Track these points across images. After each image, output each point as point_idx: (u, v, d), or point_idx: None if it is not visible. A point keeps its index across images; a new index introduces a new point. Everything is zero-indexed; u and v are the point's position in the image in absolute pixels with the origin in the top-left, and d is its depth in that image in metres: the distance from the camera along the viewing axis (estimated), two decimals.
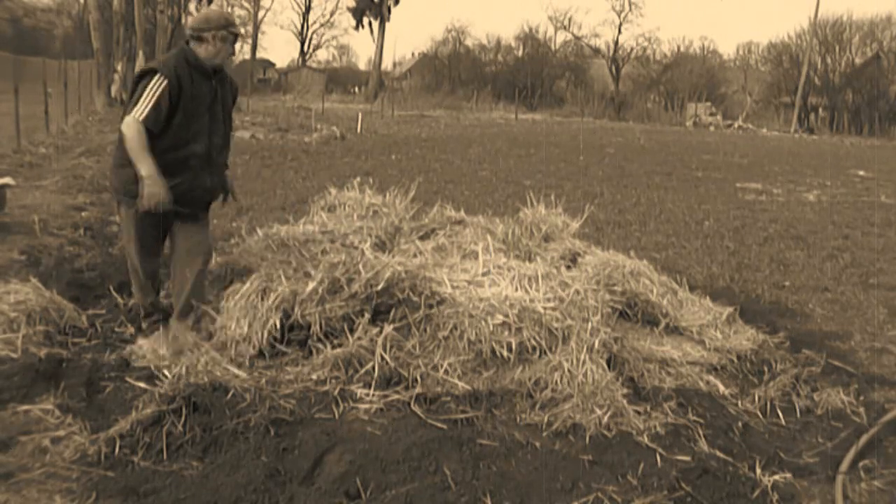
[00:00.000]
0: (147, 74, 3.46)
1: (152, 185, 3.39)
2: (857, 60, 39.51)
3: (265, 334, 3.55)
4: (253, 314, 3.60)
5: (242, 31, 58.26)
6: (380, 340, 3.44)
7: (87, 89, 22.56)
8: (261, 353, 3.54)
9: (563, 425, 3.02)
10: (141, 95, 3.40)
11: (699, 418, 3.20)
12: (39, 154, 10.95)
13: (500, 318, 3.49)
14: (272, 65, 60.54)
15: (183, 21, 48.01)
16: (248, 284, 3.81)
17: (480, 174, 11.97)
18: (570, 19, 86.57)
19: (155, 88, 3.40)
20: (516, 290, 3.68)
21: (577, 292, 3.71)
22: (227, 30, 3.58)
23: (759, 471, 2.78)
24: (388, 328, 3.49)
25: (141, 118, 3.37)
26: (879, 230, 8.54)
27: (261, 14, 60.63)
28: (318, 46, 74.89)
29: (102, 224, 6.59)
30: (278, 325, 3.58)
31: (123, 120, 3.43)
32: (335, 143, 16.65)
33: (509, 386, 3.32)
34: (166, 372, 3.28)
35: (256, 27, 59.98)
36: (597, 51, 54.60)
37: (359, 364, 3.42)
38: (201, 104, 3.56)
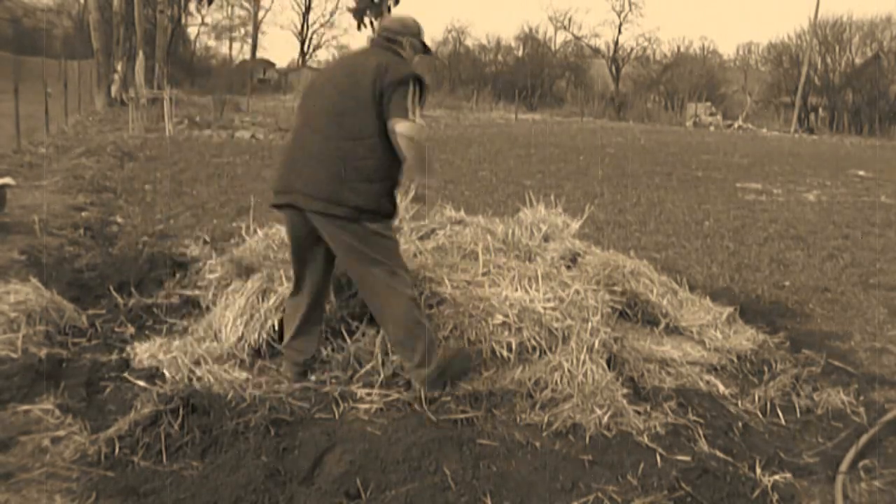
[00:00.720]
0: (408, 81, 3.13)
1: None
2: (857, 60, 39.52)
3: (264, 335, 3.56)
4: (251, 314, 3.61)
5: (243, 31, 57.89)
6: (378, 340, 3.44)
7: (87, 89, 22.56)
8: (260, 354, 3.55)
9: (563, 425, 3.02)
10: (408, 101, 3.11)
11: (699, 418, 3.19)
12: (39, 154, 10.95)
13: (500, 318, 3.49)
14: (272, 65, 60.49)
15: (183, 21, 48.07)
16: (249, 285, 3.81)
17: (480, 174, 11.97)
18: (570, 19, 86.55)
19: (415, 96, 3.16)
20: (516, 290, 3.68)
21: (577, 292, 3.71)
22: (419, 38, 3.41)
23: (759, 471, 2.78)
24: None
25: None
26: (879, 230, 8.54)
27: (261, 14, 60.66)
28: (318, 46, 74.62)
29: (102, 224, 6.59)
30: (277, 326, 3.58)
31: (398, 125, 3.06)
32: None
33: (509, 386, 3.32)
34: (166, 372, 3.28)
35: (256, 27, 60.05)
36: (597, 51, 54.60)
37: (358, 364, 3.42)
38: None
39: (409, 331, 3.19)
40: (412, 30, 3.39)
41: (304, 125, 3.29)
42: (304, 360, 3.38)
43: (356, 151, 3.09)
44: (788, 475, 2.79)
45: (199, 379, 3.24)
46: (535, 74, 49.67)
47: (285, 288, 3.71)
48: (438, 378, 3.21)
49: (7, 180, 6.35)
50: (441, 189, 9.67)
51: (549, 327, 3.50)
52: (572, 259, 4.67)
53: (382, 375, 3.34)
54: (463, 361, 3.33)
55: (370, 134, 3.09)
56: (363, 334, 3.53)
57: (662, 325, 4.16)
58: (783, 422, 3.31)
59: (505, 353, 3.41)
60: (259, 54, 60.86)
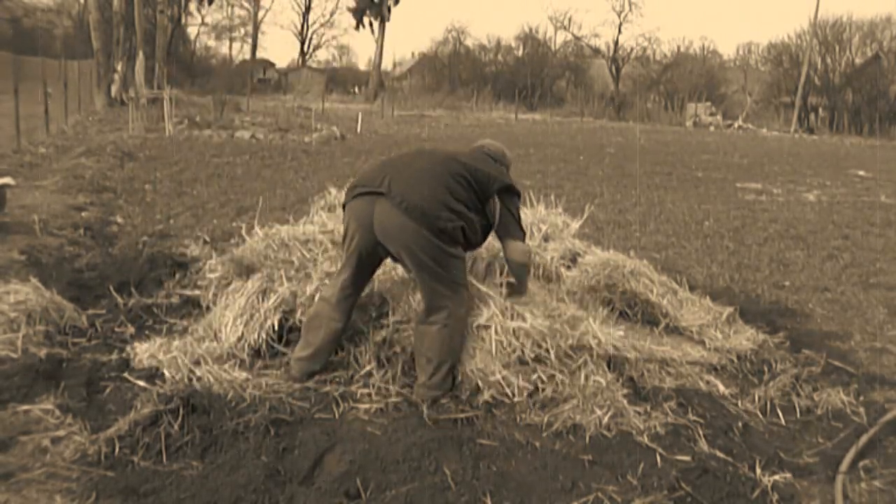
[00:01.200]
0: (517, 194, 3.47)
1: None
2: (857, 60, 39.50)
3: (264, 335, 3.55)
4: (251, 314, 3.60)
5: (243, 31, 57.91)
6: (376, 339, 3.44)
7: (87, 89, 22.56)
8: (260, 354, 3.55)
9: (563, 425, 3.02)
10: (518, 217, 3.45)
11: (699, 418, 3.20)
12: (39, 154, 10.95)
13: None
14: (272, 65, 60.51)
15: (183, 21, 48.08)
16: (249, 285, 3.81)
17: None
18: (570, 19, 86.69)
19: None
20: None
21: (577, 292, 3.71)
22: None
23: (759, 471, 2.78)
24: (388, 329, 3.50)
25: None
26: (879, 230, 8.54)
27: (261, 14, 60.69)
28: (318, 46, 74.88)
29: (102, 224, 6.59)
30: (277, 326, 3.58)
31: (519, 250, 3.42)
32: (335, 143, 16.65)
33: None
34: (166, 372, 3.28)
35: (256, 27, 60.04)
36: (597, 51, 54.59)
37: (357, 364, 3.42)
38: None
39: (444, 354, 3.22)
40: (510, 160, 3.74)
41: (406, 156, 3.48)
42: (318, 369, 3.38)
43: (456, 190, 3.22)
44: (788, 475, 2.79)
45: (199, 379, 3.24)
46: (535, 74, 49.66)
47: (285, 288, 3.71)
48: (438, 398, 3.22)
49: (7, 180, 6.34)
50: None
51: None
52: (572, 259, 4.67)
53: (377, 376, 3.35)
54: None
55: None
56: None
57: (662, 325, 4.16)
58: (783, 422, 3.31)
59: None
60: (259, 54, 60.93)
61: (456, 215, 3.12)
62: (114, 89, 24.48)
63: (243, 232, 4.86)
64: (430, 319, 3.22)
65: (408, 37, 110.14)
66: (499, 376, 3.21)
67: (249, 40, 60.62)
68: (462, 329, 3.29)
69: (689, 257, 6.64)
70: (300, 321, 3.58)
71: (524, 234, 3.48)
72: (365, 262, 3.30)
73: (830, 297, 5.54)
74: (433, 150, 3.48)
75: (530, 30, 54.36)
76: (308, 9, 62.06)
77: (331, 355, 3.43)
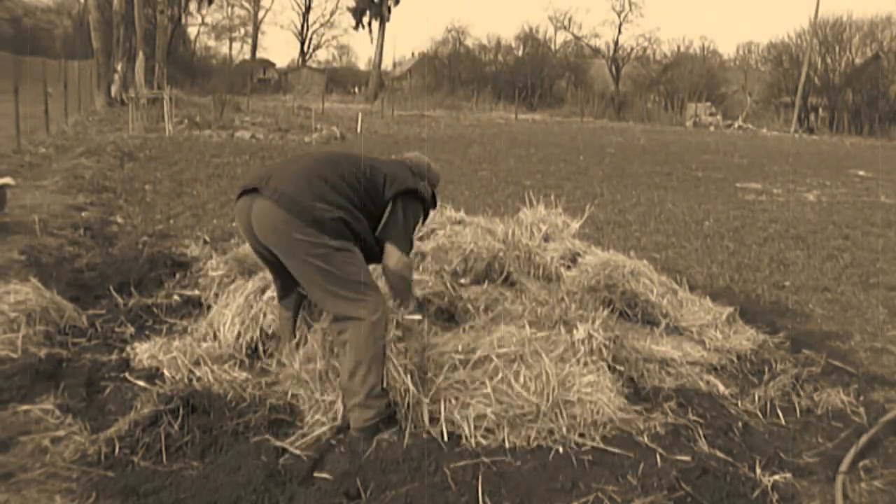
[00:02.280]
0: (424, 205, 3.25)
1: None
2: (857, 60, 39.49)
3: (262, 334, 3.55)
4: (250, 314, 3.60)
5: (243, 31, 57.86)
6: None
7: (87, 89, 22.57)
8: (259, 354, 3.54)
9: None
10: (408, 225, 3.15)
11: (699, 418, 3.19)
12: (39, 154, 10.95)
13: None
14: (272, 65, 60.51)
15: (183, 21, 48.06)
16: (249, 285, 3.81)
17: (480, 174, 11.97)
18: (570, 19, 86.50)
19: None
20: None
21: (577, 292, 3.71)
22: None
23: (759, 471, 2.78)
24: None
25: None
26: (879, 230, 8.54)
27: (261, 14, 60.67)
28: (318, 46, 74.89)
29: (102, 224, 6.59)
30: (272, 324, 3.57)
31: (394, 257, 3.11)
32: (335, 143, 16.65)
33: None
34: (166, 372, 3.28)
35: (256, 27, 60.03)
36: (597, 51, 54.63)
37: None
38: None
39: (363, 363, 2.86)
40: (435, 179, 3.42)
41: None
42: None
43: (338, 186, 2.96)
44: (788, 475, 2.79)
45: (198, 379, 3.24)
46: (535, 74, 49.68)
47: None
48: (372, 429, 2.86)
49: (7, 180, 6.35)
50: (441, 189, 9.66)
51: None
52: (572, 259, 4.68)
53: None
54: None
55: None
56: None
57: (662, 325, 4.16)
58: (783, 422, 3.31)
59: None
60: (259, 54, 60.94)
61: (334, 207, 2.85)
62: (114, 89, 24.49)
63: None
64: (338, 333, 2.90)
65: (408, 37, 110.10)
66: None
67: (249, 40, 60.71)
68: (377, 339, 2.86)
69: (689, 257, 6.64)
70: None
71: (410, 245, 3.16)
72: (271, 262, 3.11)
73: (830, 297, 5.54)
74: (328, 152, 3.22)
75: (530, 30, 54.50)
76: (308, 9, 62.12)
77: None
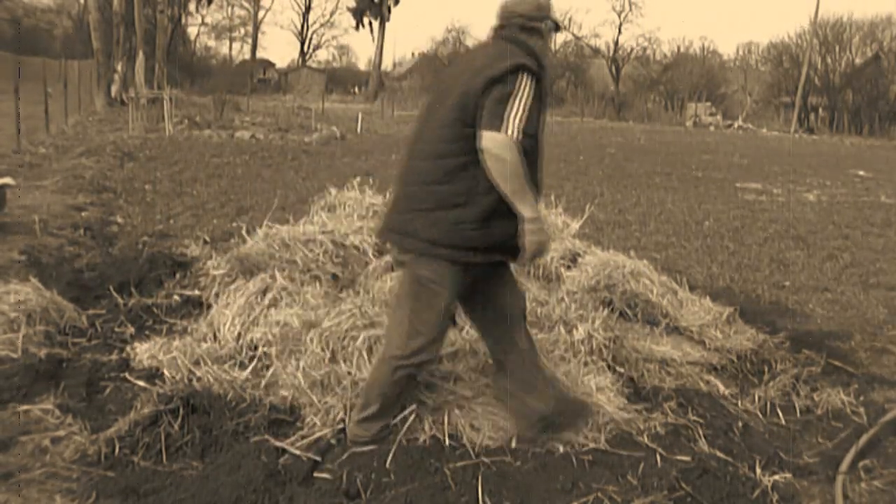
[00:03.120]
0: (512, 73, 2.47)
1: (541, 231, 2.56)
2: (857, 60, 39.51)
3: (261, 334, 3.55)
4: (250, 314, 3.61)
5: (243, 31, 57.83)
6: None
7: (87, 89, 22.55)
8: (258, 354, 3.54)
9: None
10: (510, 105, 2.45)
11: (699, 418, 3.19)
12: (39, 154, 10.95)
13: None
14: (272, 65, 60.54)
15: (183, 21, 48.05)
16: (250, 285, 3.81)
17: None
18: (570, 19, 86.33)
19: (526, 94, 2.47)
20: None
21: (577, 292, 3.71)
22: (552, 19, 2.80)
23: (759, 471, 2.78)
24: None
25: (518, 137, 2.44)
26: (879, 230, 8.54)
27: (261, 14, 60.67)
28: (318, 46, 74.85)
29: (102, 224, 6.59)
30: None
31: (485, 138, 2.44)
32: (335, 143, 16.65)
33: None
34: (166, 372, 3.28)
35: (256, 27, 60.03)
36: (597, 51, 54.61)
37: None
38: (543, 115, 2.66)
39: (381, 389, 2.75)
40: (547, 9, 2.75)
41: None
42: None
43: (432, 175, 2.56)
44: (788, 475, 2.79)
45: (198, 379, 3.23)
46: None
47: (284, 288, 3.71)
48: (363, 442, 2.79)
49: (7, 180, 6.35)
50: None
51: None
52: (572, 259, 4.67)
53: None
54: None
55: (449, 153, 2.55)
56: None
57: (662, 325, 4.16)
58: (783, 422, 3.31)
59: None
60: (259, 54, 60.94)
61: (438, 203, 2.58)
62: (114, 89, 24.49)
63: (244, 232, 4.87)
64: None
65: (408, 37, 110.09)
66: None
67: (249, 40, 60.68)
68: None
69: (689, 257, 6.64)
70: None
71: (505, 122, 2.43)
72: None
73: (830, 297, 5.54)
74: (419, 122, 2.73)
75: None
76: (308, 9, 62.11)
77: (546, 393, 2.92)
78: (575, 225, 5.03)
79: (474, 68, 2.56)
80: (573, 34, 55.47)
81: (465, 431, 2.86)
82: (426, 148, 2.63)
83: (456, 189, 2.53)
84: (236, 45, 72.22)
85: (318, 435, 2.85)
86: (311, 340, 3.24)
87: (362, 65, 69.55)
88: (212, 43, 75.66)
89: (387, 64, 60.20)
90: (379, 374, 2.76)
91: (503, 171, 2.45)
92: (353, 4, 52.04)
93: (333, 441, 2.83)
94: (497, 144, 2.43)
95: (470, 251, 2.55)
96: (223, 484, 2.49)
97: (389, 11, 49.49)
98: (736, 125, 36.93)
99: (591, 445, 2.87)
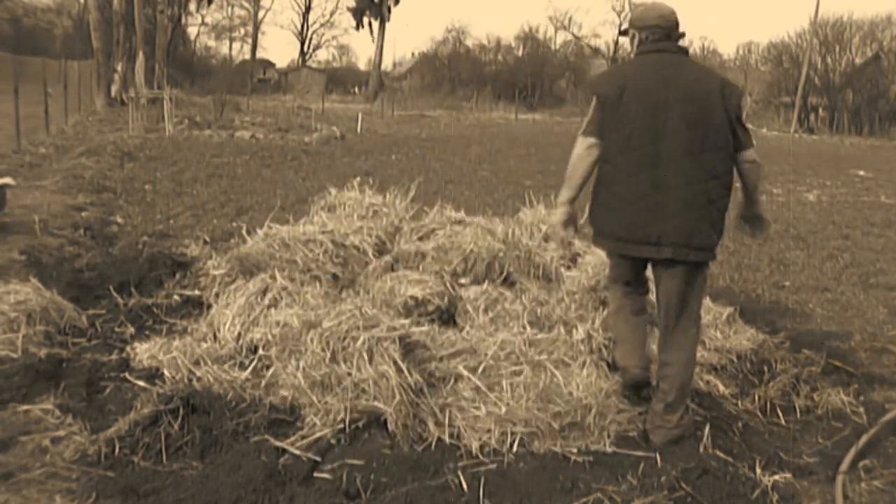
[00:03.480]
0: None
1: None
2: (857, 60, 39.48)
3: (261, 334, 3.55)
4: (250, 314, 3.60)
5: (243, 31, 57.71)
6: None
7: (87, 89, 22.55)
8: (258, 354, 3.54)
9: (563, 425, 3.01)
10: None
11: (699, 418, 3.19)
12: (39, 154, 10.95)
13: None
14: (272, 65, 60.51)
15: (183, 21, 48.05)
16: (250, 285, 3.81)
17: (480, 174, 11.97)
18: (570, 19, 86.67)
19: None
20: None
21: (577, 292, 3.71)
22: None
23: (759, 471, 2.78)
24: None
25: None
26: (879, 230, 8.54)
27: (261, 14, 60.63)
28: (318, 46, 74.87)
29: (102, 224, 6.60)
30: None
31: (751, 153, 3.19)
32: (335, 143, 16.64)
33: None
34: (166, 372, 3.28)
35: (256, 27, 60.01)
36: (597, 51, 54.61)
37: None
38: None
39: (689, 382, 3.05)
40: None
41: (652, 164, 2.97)
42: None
43: (717, 192, 3.10)
44: (788, 475, 2.79)
45: (198, 379, 3.23)
46: (535, 74, 49.66)
47: (284, 288, 3.71)
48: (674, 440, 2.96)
49: (7, 180, 6.35)
50: (441, 189, 9.67)
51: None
52: (572, 259, 4.67)
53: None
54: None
55: (727, 171, 3.13)
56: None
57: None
58: (783, 422, 3.31)
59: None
60: (259, 54, 60.89)
61: (721, 215, 3.22)
62: (114, 89, 24.48)
63: (244, 232, 4.87)
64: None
65: (408, 37, 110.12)
66: None
67: (249, 40, 60.64)
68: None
69: None
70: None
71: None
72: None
73: (830, 297, 5.54)
74: (676, 143, 3.01)
75: (530, 30, 54.48)
76: (308, 9, 62.08)
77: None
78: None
79: (709, 89, 2.95)
80: (573, 34, 55.56)
81: (466, 432, 2.86)
82: (701, 169, 3.06)
83: (728, 202, 3.16)
84: (236, 45, 72.10)
85: (318, 435, 2.85)
86: (311, 340, 3.22)
87: (362, 65, 69.53)
88: (212, 43, 75.48)
89: (387, 64, 60.21)
90: (690, 372, 3.06)
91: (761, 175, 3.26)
92: (353, 4, 52.04)
93: (333, 441, 2.83)
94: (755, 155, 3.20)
95: None
96: (223, 484, 2.49)
97: (389, 11, 49.48)
98: None
99: (592, 446, 2.87)
